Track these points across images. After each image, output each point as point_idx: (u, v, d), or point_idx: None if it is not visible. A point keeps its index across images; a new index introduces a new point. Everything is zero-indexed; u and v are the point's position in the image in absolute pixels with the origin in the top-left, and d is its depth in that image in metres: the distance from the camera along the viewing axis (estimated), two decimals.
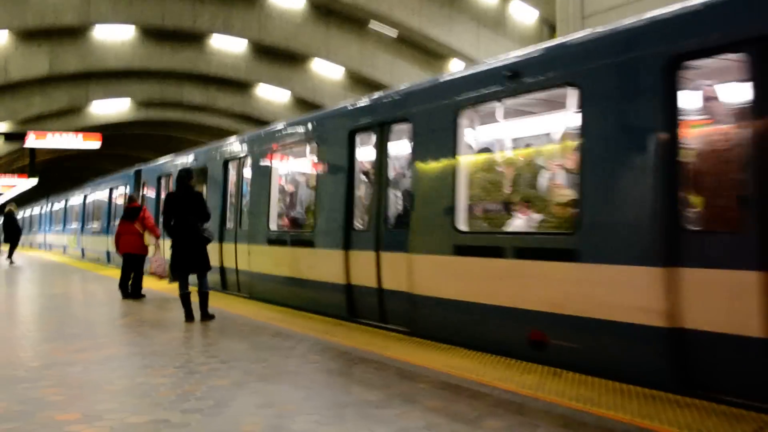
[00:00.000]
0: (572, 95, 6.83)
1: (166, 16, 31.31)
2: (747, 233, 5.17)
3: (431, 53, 33.45)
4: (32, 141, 30.64)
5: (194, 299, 10.00)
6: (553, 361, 6.49)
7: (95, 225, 25.16)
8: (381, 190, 9.28)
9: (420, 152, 8.53)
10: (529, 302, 6.82)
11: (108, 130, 41.42)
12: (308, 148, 11.64)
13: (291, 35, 32.80)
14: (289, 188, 12.97)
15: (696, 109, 6.09)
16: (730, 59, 5.57)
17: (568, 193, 7.24)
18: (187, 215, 9.89)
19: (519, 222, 7.76)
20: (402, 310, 8.59)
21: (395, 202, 9.50)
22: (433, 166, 8.26)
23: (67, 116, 40.02)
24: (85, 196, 27.27)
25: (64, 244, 31.82)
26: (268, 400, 5.58)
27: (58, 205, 34.50)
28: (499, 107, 7.89)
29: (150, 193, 18.64)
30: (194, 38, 34.52)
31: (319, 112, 12.06)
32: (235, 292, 13.21)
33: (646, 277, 5.73)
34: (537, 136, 8.81)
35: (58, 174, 61.71)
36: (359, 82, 36.74)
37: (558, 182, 7.66)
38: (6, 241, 26.12)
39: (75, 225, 29.10)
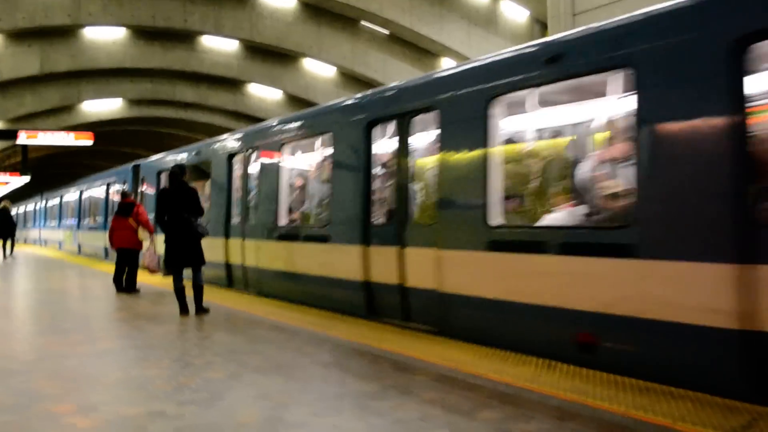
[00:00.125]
0: (623, 79, 6.30)
1: (156, 17, 31.17)
2: None
3: (423, 51, 33.46)
4: (23, 140, 30.51)
5: (189, 293, 9.99)
6: (604, 364, 6.03)
7: (92, 221, 24.99)
8: (404, 183, 8.83)
9: (448, 142, 8.04)
10: (577, 301, 6.29)
11: (100, 128, 41.34)
12: (322, 140, 11.24)
13: (282, 34, 32.75)
14: (301, 182, 12.41)
15: (766, 94, 5.58)
16: None
17: (619, 184, 6.60)
18: (181, 210, 9.87)
19: (561, 215, 7.20)
20: (429, 309, 8.14)
21: (419, 195, 9.10)
22: (462, 157, 7.78)
23: (58, 114, 39.87)
24: (82, 192, 27.06)
25: (59, 240, 31.62)
26: (264, 392, 5.59)
27: (54, 201, 34.30)
28: (536, 94, 7.36)
29: (149, 189, 18.44)
30: (186, 37, 34.44)
31: (334, 102, 11.55)
32: (242, 289, 12.85)
33: (716, 275, 5.25)
34: (579, 124, 8.13)
35: (51, 171, 61.53)
36: (351, 80, 36.73)
37: (607, 172, 6.94)
38: (1, 236, 26.12)
39: (71, 221, 28.92)
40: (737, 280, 5.12)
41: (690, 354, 5.49)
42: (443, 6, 30.90)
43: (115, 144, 53.49)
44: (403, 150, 8.86)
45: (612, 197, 6.69)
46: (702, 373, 5.40)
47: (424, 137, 9.21)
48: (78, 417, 4.98)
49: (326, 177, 10.99)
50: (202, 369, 6.46)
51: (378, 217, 9.33)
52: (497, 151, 7.56)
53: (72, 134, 32.21)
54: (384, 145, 9.51)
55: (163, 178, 17.20)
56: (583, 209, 7.03)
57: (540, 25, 30.26)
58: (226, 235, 13.35)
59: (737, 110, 5.25)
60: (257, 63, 36.44)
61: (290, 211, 12.06)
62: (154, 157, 19.50)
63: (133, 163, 20.47)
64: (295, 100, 38.99)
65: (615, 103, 6.69)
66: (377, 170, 9.52)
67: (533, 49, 7.28)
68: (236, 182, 13.65)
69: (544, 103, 7.59)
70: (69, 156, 56.55)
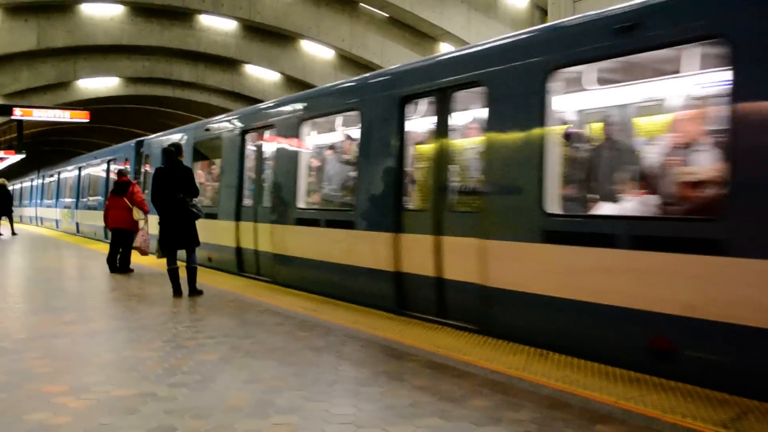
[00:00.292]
0: (713, 52, 5.59)
1: None
2: None
3: (422, 35, 33.25)
4: (18, 116, 30.32)
5: (182, 274, 9.99)
6: (682, 374, 5.38)
7: (91, 200, 24.53)
8: (442, 166, 7.98)
9: (497, 121, 7.23)
10: (651, 302, 5.60)
11: (97, 104, 41.14)
12: (348, 118, 10.37)
13: (281, 14, 32.51)
14: (323, 163, 11.47)
15: None
16: None
17: (704, 171, 5.87)
18: (176, 190, 9.83)
19: (631, 205, 6.42)
20: (470, 305, 7.40)
21: (461, 179, 8.17)
22: (514, 137, 6.99)
23: (55, 91, 39.59)
24: (80, 170, 26.59)
25: (56, 219, 31.32)
26: (255, 376, 5.60)
27: (51, 179, 33.93)
28: (603, 67, 6.72)
29: (153, 167, 18.03)
30: (184, 15, 34.16)
31: (363, 76, 10.52)
32: (253, 275, 12.12)
33: None
34: (652, 102, 7.34)
35: (46, 148, 61.29)
36: (350, 62, 36.55)
37: (687, 157, 6.17)
38: (1, 213, 26.14)
39: (69, 199, 28.52)
40: None
41: None
42: None
43: (111, 122, 53.21)
44: (442, 129, 8.05)
45: (694, 185, 5.96)
46: None
47: (467, 115, 8.57)
48: (69, 397, 5.00)
49: (352, 157, 10.28)
50: (195, 351, 6.47)
51: (411, 203, 8.67)
52: (556, 131, 6.86)
53: (68, 112, 32.00)
54: (420, 122, 8.89)
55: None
56: (656, 198, 6.29)
57: (540, 11, 30.13)
58: (237, 217, 12.71)
59: None
60: (255, 43, 36.20)
61: (310, 193, 11.34)
62: (159, 134, 18.81)
63: (136, 140, 19.82)
64: (293, 82, 38.78)
65: (698, 79, 6.14)
66: (411, 151, 8.83)
67: (603, 17, 6.38)
68: (249, 162, 12.93)
69: (612, 78, 7.04)
70: (64, 133, 56.28)
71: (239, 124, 13.25)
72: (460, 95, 7.97)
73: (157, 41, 34.79)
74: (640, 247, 5.75)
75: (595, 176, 7.15)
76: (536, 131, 6.71)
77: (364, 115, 9.38)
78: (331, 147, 11.32)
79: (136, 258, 13.70)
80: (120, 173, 14.30)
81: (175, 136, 16.57)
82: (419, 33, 32.99)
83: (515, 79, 7.06)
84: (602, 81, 7.00)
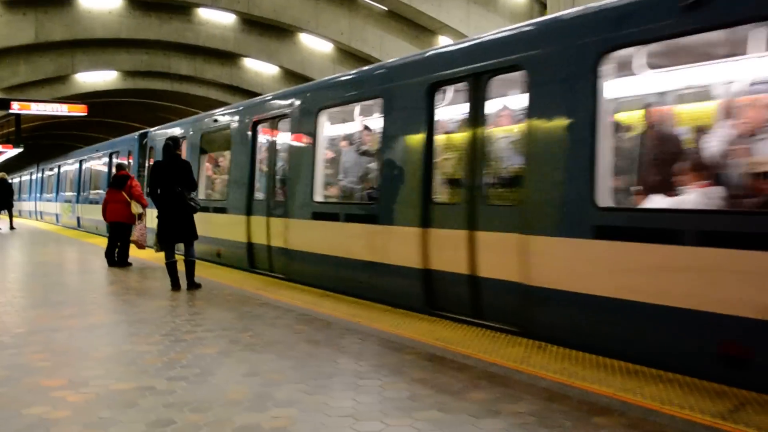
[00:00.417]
0: None
1: None
2: None
3: (421, 29, 33.18)
4: (16, 110, 30.26)
5: (181, 268, 9.99)
6: (759, 383, 4.91)
7: (93, 193, 24.02)
8: (475, 156, 7.45)
9: (539, 107, 6.72)
10: (721, 304, 5.12)
11: (95, 98, 41.09)
12: (368, 106, 9.87)
13: (280, 8, 32.44)
14: (343, 154, 10.84)
15: None
16: None
17: None
18: (174, 184, 9.82)
19: (692, 197, 5.88)
20: (509, 306, 6.93)
21: (497, 170, 7.59)
22: (559, 124, 6.50)
23: (53, 84, 39.54)
24: (82, 163, 26.16)
25: (56, 213, 31.06)
26: (254, 369, 5.60)
27: (51, 173, 33.66)
28: (663, 48, 6.07)
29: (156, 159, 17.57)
30: (182, 9, 34.09)
31: (387, 62, 9.98)
32: (266, 272, 11.62)
33: None
34: (713, 85, 6.52)
35: (44, 142, 61.25)
36: (348, 56, 36.49)
37: (759, 145, 5.68)
38: (1, 206, 26.11)
39: (70, 193, 28.18)
40: None
41: None
42: None
43: (109, 116, 53.16)
44: (476, 116, 7.51)
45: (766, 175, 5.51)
46: None
47: (504, 101, 7.99)
48: (68, 391, 5.00)
49: (375, 148, 9.69)
50: (193, 345, 6.47)
51: (442, 196, 8.13)
52: (606, 118, 6.31)
53: (65, 106, 31.94)
54: (450, 110, 8.36)
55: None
56: (720, 190, 5.77)
57: (540, 4, 30.06)
58: (248, 211, 12.14)
59: None
60: (254, 37, 36.15)
61: (327, 186, 10.75)
62: (164, 126, 18.29)
63: (140, 132, 19.30)
64: (292, 75, 38.72)
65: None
66: (441, 140, 8.27)
67: None
68: (261, 153, 12.34)
69: (679, 58, 6.43)
70: (62, 127, 56.24)
71: (250, 115, 12.70)
72: (497, 81, 7.44)
73: (156, 35, 34.75)
74: (707, 244, 5.26)
75: (652, 166, 6.58)
76: (585, 118, 6.21)
77: (389, 103, 8.90)
78: (352, 137, 10.82)
79: (134, 252, 13.70)
80: (119, 167, 14.31)
81: (181, 128, 16.18)
82: (418, 26, 32.94)
83: (562, 63, 6.53)
84: (661, 63, 6.37)
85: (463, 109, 7.82)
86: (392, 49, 31.82)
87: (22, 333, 7.05)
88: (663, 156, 6.45)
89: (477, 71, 7.51)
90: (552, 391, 4.95)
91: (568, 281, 6.28)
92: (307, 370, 5.60)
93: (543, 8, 28.92)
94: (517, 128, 7.45)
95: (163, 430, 4.23)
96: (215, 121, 14.26)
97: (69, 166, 29.19)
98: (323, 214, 10.14)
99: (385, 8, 32.48)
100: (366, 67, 10.52)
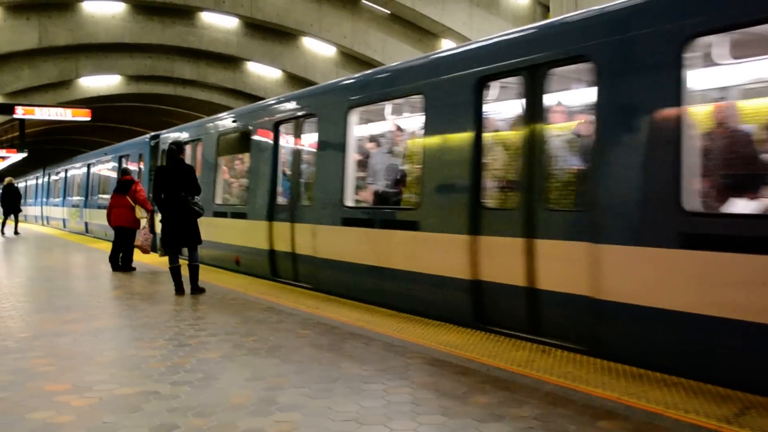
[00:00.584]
0: None
1: None
2: None
3: (423, 32, 33.22)
4: (20, 115, 30.32)
5: (185, 272, 10.00)
6: None
7: (103, 198, 23.19)
8: (533, 156, 6.77)
9: (611, 101, 6.07)
10: None
11: (98, 103, 41.19)
12: (405, 104, 9.38)
13: (283, 11, 32.52)
14: (377, 155, 10.20)
15: None
16: None
17: None
18: (178, 189, 9.84)
19: None
20: (574, 321, 6.28)
21: (559, 171, 6.88)
22: (637, 120, 5.86)
23: (57, 89, 39.65)
24: (90, 167, 25.62)
25: (63, 218, 30.82)
26: (258, 374, 5.60)
27: (57, 177, 33.40)
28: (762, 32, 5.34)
29: None
30: (185, 13, 34.18)
31: (428, 55, 9.36)
32: (290, 281, 11.00)
33: None
34: None
35: (48, 146, 61.42)
36: (351, 59, 36.54)
37: None
38: (8, 211, 26.14)
39: (78, 198, 27.73)
40: None
41: None
42: None
43: (113, 120, 53.33)
44: (533, 112, 6.86)
45: None
46: None
47: (565, 96, 7.37)
48: (72, 396, 5.00)
49: (414, 148, 9.07)
50: (197, 349, 6.47)
51: (493, 200, 7.48)
52: (694, 113, 5.70)
53: (69, 110, 32.00)
54: (502, 106, 7.77)
55: (188, 151, 15.16)
56: None
57: (542, 7, 30.09)
58: (270, 217, 11.52)
59: None
60: (257, 40, 36.23)
61: (359, 190, 10.08)
62: (176, 127, 17.91)
63: (152, 134, 18.73)
64: (295, 79, 38.79)
65: None
66: (491, 139, 7.58)
67: None
68: (284, 155, 11.74)
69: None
70: (66, 132, 56.35)
71: (273, 115, 12.06)
72: (559, 72, 6.83)
73: (159, 39, 34.84)
74: None
75: (754, 166, 5.79)
76: (669, 113, 5.54)
77: (431, 99, 8.24)
78: (387, 137, 10.23)
79: (138, 256, 13.72)
80: (123, 172, 14.36)
81: (197, 130, 15.68)
82: (421, 29, 32.97)
83: (637, 50, 5.88)
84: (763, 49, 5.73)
85: (516, 105, 7.17)
86: (395, 53, 31.87)
87: (27, 338, 7.06)
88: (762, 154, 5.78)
89: (535, 63, 6.82)
90: (556, 395, 4.94)
91: (648, 296, 5.62)
92: (311, 374, 5.59)
93: (545, 10, 28.94)
94: (582, 125, 6.89)
95: None
96: (234, 122, 13.70)
97: (76, 170, 28.80)
98: (356, 219, 9.49)
99: (388, 12, 32.52)
100: (402, 62, 9.81)
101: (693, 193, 5.48)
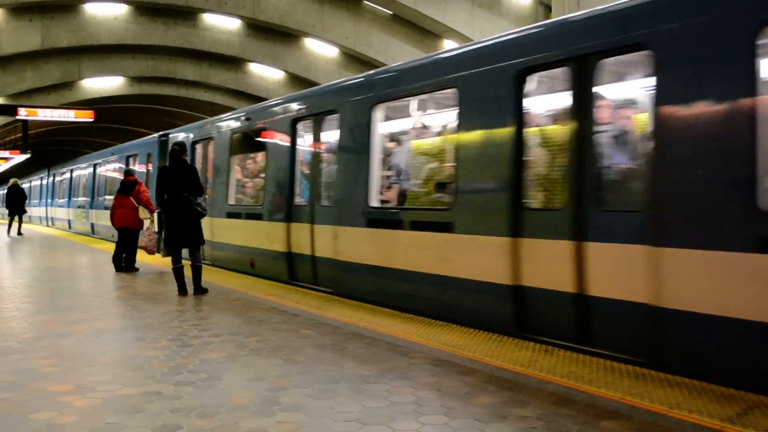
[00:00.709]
0: None
1: None
2: None
3: (425, 32, 33.23)
4: (23, 117, 30.35)
5: (188, 273, 10.01)
6: None
7: (110, 199, 22.15)
8: (583, 153, 6.31)
9: (672, 93, 5.57)
10: None
11: (101, 104, 41.26)
12: (439, 98, 8.93)
13: (285, 12, 32.55)
14: (404, 153, 9.70)
15: None
16: None
17: None
18: (180, 189, 9.84)
19: None
20: (631, 331, 5.82)
21: (614, 169, 6.46)
22: (704, 112, 5.33)
23: (59, 90, 39.72)
24: (96, 167, 25.29)
25: (69, 219, 30.57)
26: (261, 374, 5.60)
27: (62, 177, 33.19)
28: None
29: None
30: (188, 14, 34.23)
31: (462, 47, 8.79)
32: (309, 285, 10.57)
33: None
34: None
35: (51, 147, 61.51)
36: (354, 60, 36.56)
37: None
38: (13, 212, 26.16)
39: (83, 198, 27.44)
40: None
41: None
42: None
43: (115, 122, 53.39)
44: (582, 106, 6.38)
45: None
46: None
47: (621, 88, 6.91)
48: (75, 396, 5.00)
49: (446, 146, 8.53)
50: (200, 350, 6.47)
51: (536, 200, 7.01)
52: None
53: (72, 111, 32.02)
54: (545, 100, 7.30)
55: (199, 150, 15.31)
56: None
57: (544, 7, 30.09)
58: (288, 218, 11.09)
59: None
60: (259, 42, 36.26)
61: (385, 189, 9.58)
62: (187, 126, 17.51)
63: (160, 133, 18.28)
64: (297, 80, 38.82)
65: None
66: (532, 136, 7.10)
67: None
68: (302, 154, 11.34)
69: None
70: (69, 133, 56.46)
71: (290, 112, 11.57)
72: (610, 63, 6.35)
73: (161, 40, 34.88)
74: None
75: None
76: (742, 103, 5.05)
77: (466, 93, 7.75)
78: (415, 133, 9.67)
79: (141, 257, 13.73)
80: (127, 172, 14.40)
81: (209, 127, 15.19)
82: (423, 30, 32.98)
83: (704, 38, 5.38)
84: None
85: (562, 98, 6.69)
86: (397, 53, 31.89)
87: (30, 338, 7.06)
88: None
89: (584, 52, 6.34)
90: (559, 395, 4.93)
91: (720, 304, 5.14)
92: (314, 374, 5.59)
93: (547, 11, 28.95)
94: (639, 118, 6.45)
95: None
96: (248, 119, 13.21)
97: (82, 171, 28.49)
98: (382, 221, 9.03)
99: (390, 12, 32.54)
100: (433, 54, 9.50)
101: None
